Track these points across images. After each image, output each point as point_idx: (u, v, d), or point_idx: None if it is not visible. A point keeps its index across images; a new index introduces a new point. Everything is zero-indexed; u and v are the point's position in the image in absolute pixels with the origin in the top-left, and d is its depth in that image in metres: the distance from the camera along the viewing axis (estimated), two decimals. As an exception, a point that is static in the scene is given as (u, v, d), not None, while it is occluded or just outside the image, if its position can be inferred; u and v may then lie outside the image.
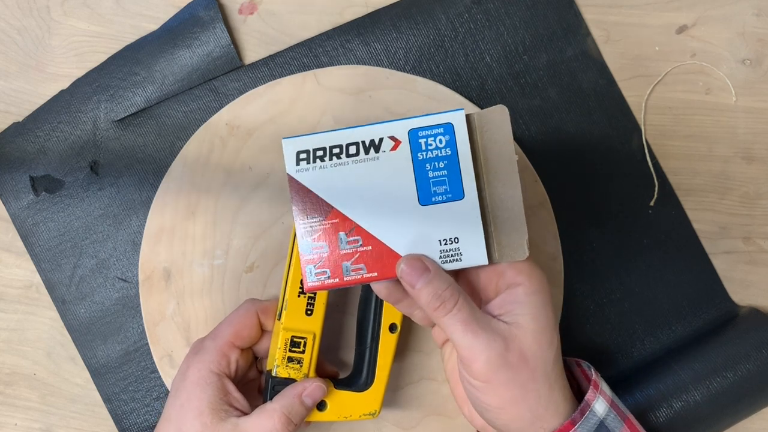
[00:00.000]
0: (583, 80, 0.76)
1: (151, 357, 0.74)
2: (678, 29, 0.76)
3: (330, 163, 0.57)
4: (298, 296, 0.64)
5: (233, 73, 0.75)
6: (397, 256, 0.57)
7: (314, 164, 0.57)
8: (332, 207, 0.57)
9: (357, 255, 0.57)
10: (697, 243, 0.75)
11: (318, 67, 0.75)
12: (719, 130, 0.76)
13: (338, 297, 0.73)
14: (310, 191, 0.57)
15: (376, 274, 0.57)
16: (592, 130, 0.75)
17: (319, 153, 0.57)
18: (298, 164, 0.57)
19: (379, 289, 0.59)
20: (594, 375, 0.61)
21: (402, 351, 0.73)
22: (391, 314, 0.66)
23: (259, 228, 0.73)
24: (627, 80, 0.76)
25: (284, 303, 0.64)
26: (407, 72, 0.75)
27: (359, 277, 0.57)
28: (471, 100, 0.75)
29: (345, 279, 0.57)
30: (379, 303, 0.66)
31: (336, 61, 0.75)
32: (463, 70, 0.75)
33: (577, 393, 0.61)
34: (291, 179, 0.57)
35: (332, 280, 0.57)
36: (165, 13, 0.76)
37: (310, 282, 0.57)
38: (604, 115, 0.76)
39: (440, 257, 0.57)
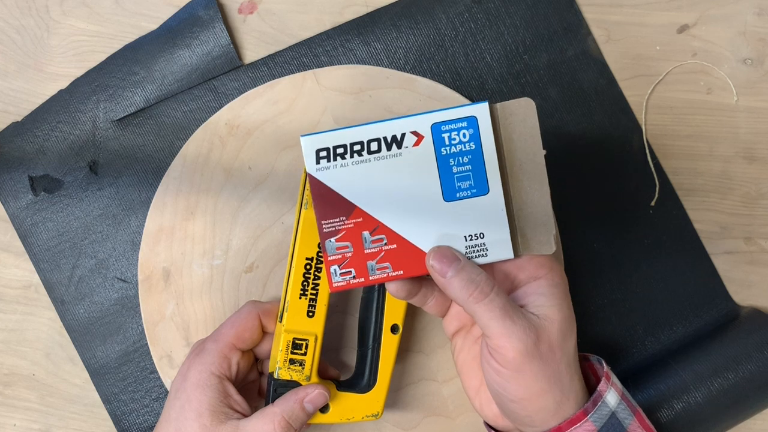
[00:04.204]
0: (584, 80, 0.75)
1: (151, 357, 0.74)
2: (679, 29, 0.76)
3: (351, 160, 0.57)
4: (299, 298, 0.64)
5: (233, 73, 0.75)
6: (423, 254, 0.57)
7: (335, 162, 0.57)
8: (355, 206, 0.57)
9: (382, 254, 0.57)
10: (698, 243, 0.75)
11: (318, 66, 0.75)
12: (720, 129, 0.76)
13: (339, 298, 0.72)
14: (331, 190, 0.57)
15: (402, 272, 0.57)
16: (592, 129, 0.75)
17: (340, 150, 0.57)
18: (318, 162, 0.57)
19: (395, 289, 0.59)
20: (606, 367, 0.61)
21: (402, 352, 0.73)
22: (392, 315, 0.66)
23: (258, 228, 0.73)
24: (628, 80, 0.76)
25: (285, 305, 0.64)
26: (407, 72, 0.75)
27: (385, 275, 0.57)
28: (471, 99, 0.75)
29: (371, 278, 0.57)
30: (381, 304, 0.66)
31: (336, 61, 0.75)
32: (463, 69, 0.75)
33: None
34: (312, 178, 0.57)
35: (357, 280, 0.57)
36: (164, 12, 0.76)
37: (336, 282, 0.57)
38: (605, 115, 0.75)
39: (466, 253, 0.57)
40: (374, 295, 0.67)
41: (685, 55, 0.76)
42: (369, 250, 0.57)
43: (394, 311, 0.66)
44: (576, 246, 0.74)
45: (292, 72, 0.75)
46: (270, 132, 0.73)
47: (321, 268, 0.64)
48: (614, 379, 0.61)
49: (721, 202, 0.75)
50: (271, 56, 0.75)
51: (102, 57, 0.75)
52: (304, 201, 0.64)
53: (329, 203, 0.57)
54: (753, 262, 0.75)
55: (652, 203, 0.75)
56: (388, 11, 0.75)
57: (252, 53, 0.76)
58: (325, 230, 0.57)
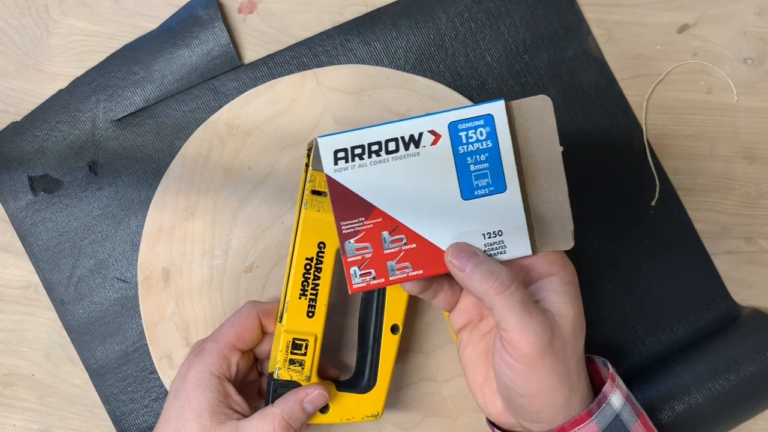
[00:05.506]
0: (584, 80, 0.75)
1: (150, 358, 0.74)
2: (679, 28, 0.76)
3: (369, 161, 0.56)
4: (299, 298, 0.64)
5: (232, 73, 0.75)
6: (442, 253, 0.57)
7: (353, 163, 0.56)
8: (374, 206, 0.57)
9: (402, 254, 0.57)
10: (698, 243, 0.75)
11: (318, 66, 0.75)
12: (721, 129, 0.76)
13: (339, 298, 0.72)
14: (350, 191, 0.56)
15: (422, 271, 0.57)
16: (593, 129, 0.75)
17: (358, 151, 0.56)
18: (336, 163, 0.56)
19: (410, 285, 0.59)
20: (611, 369, 0.61)
21: (402, 352, 0.73)
22: (392, 315, 0.66)
23: (258, 228, 0.73)
24: (628, 80, 0.76)
25: (285, 305, 0.64)
26: (407, 71, 0.75)
27: (405, 276, 0.57)
28: (471, 99, 0.74)
29: (390, 279, 0.57)
30: (381, 304, 0.66)
31: (336, 61, 0.75)
32: (463, 69, 0.75)
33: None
34: (330, 179, 0.56)
35: (378, 281, 0.57)
36: (164, 12, 0.76)
37: (356, 284, 0.57)
38: (605, 115, 0.75)
39: (485, 250, 0.57)
40: (374, 295, 0.66)
41: (686, 55, 0.76)
42: (389, 251, 0.57)
43: (394, 311, 0.66)
44: (576, 246, 0.74)
45: (292, 72, 0.75)
46: (270, 132, 0.73)
47: (321, 268, 0.64)
48: (619, 380, 0.61)
49: (722, 202, 0.75)
50: (270, 56, 0.75)
51: (102, 57, 0.75)
52: (304, 201, 0.64)
53: (348, 204, 0.57)
54: (753, 262, 0.75)
55: (653, 203, 0.75)
56: (388, 11, 0.75)
57: (252, 53, 0.76)
58: (344, 231, 0.57)
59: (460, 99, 0.74)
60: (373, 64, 0.75)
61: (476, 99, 0.75)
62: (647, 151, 0.75)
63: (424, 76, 0.74)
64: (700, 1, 0.76)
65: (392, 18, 0.75)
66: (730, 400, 0.68)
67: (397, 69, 0.75)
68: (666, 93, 0.76)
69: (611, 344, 0.75)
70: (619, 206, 0.75)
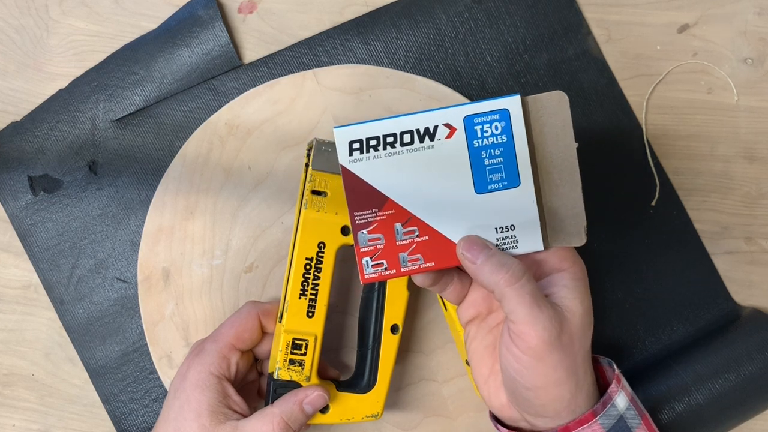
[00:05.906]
0: (584, 80, 0.75)
1: (150, 358, 0.74)
2: (679, 28, 0.76)
3: (384, 152, 0.56)
4: (299, 298, 0.64)
5: (232, 73, 0.75)
6: (454, 245, 0.57)
7: (368, 154, 0.56)
8: (387, 198, 0.57)
9: (414, 246, 0.57)
10: (698, 243, 0.75)
11: (318, 66, 0.75)
12: (721, 129, 0.76)
13: (339, 298, 0.72)
14: (364, 182, 0.56)
15: (433, 263, 0.57)
16: (593, 129, 0.75)
17: (373, 142, 0.56)
18: (351, 154, 0.56)
19: (422, 278, 0.59)
20: (616, 370, 0.61)
21: (402, 352, 0.73)
22: (392, 315, 0.66)
23: (258, 228, 0.73)
24: (628, 79, 0.76)
25: (285, 305, 0.64)
26: (407, 71, 0.75)
27: (416, 267, 0.57)
28: (471, 99, 0.74)
29: (402, 270, 0.57)
30: (381, 304, 0.66)
31: (336, 61, 0.75)
32: (463, 69, 0.75)
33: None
34: (344, 170, 0.56)
35: (389, 272, 0.57)
36: (164, 12, 0.76)
37: (368, 274, 0.57)
38: (605, 115, 0.75)
39: (497, 244, 0.57)
40: (374, 295, 0.66)
41: (686, 55, 0.76)
42: (401, 242, 0.57)
43: (394, 311, 0.66)
44: (576, 246, 0.74)
45: (291, 72, 0.75)
46: (270, 132, 0.73)
47: (321, 268, 0.64)
48: (624, 382, 0.61)
49: (722, 202, 0.75)
50: (270, 56, 0.75)
51: (101, 57, 0.75)
52: (304, 201, 0.64)
53: (361, 195, 0.57)
54: (754, 262, 0.75)
55: (653, 203, 0.75)
56: (388, 11, 0.75)
57: (252, 53, 0.76)
58: (357, 222, 0.57)
59: (460, 99, 0.74)
60: (373, 64, 0.75)
61: (476, 99, 0.75)
62: (647, 151, 0.75)
63: (424, 76, 0.74)
64: (700, 1, 0.76)
65: (392, 18, 0.75)
66: (731, 400, 0.68)
67: (397, 69, 0.75)
68: (666, 93, 0.76)
69: (611, 344, 0.75)
70: (619, 206, 0.75)
